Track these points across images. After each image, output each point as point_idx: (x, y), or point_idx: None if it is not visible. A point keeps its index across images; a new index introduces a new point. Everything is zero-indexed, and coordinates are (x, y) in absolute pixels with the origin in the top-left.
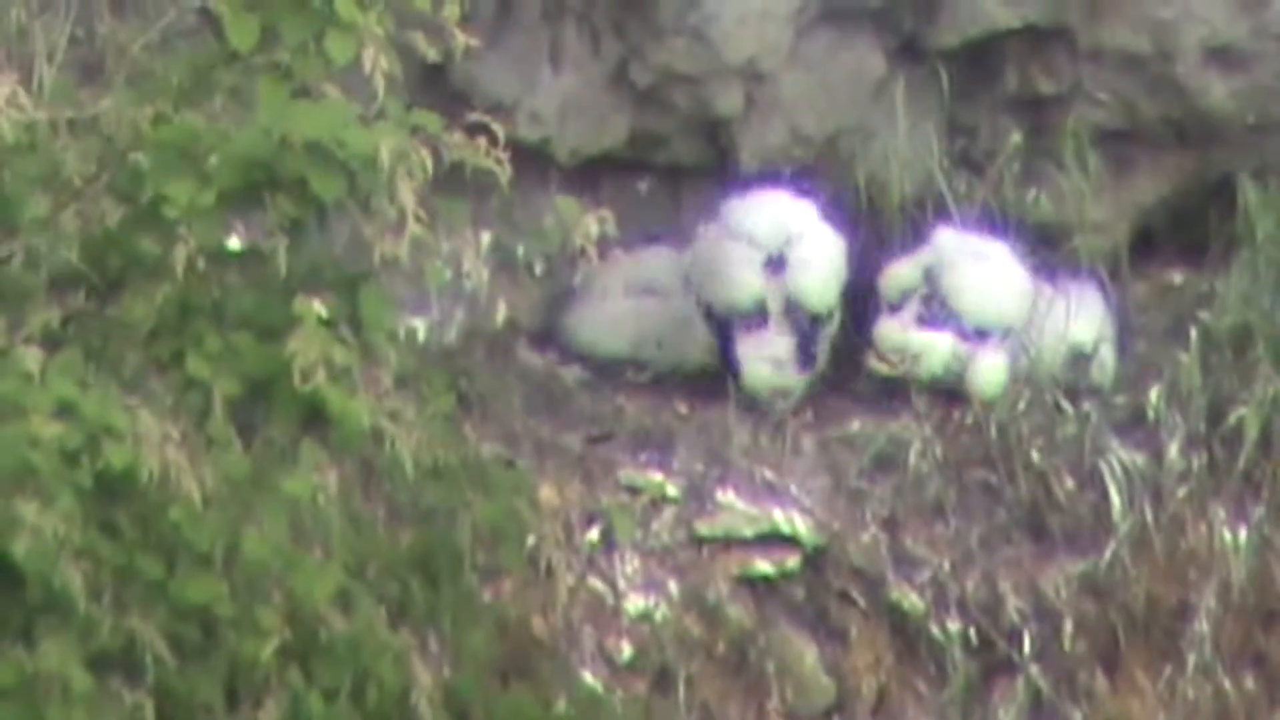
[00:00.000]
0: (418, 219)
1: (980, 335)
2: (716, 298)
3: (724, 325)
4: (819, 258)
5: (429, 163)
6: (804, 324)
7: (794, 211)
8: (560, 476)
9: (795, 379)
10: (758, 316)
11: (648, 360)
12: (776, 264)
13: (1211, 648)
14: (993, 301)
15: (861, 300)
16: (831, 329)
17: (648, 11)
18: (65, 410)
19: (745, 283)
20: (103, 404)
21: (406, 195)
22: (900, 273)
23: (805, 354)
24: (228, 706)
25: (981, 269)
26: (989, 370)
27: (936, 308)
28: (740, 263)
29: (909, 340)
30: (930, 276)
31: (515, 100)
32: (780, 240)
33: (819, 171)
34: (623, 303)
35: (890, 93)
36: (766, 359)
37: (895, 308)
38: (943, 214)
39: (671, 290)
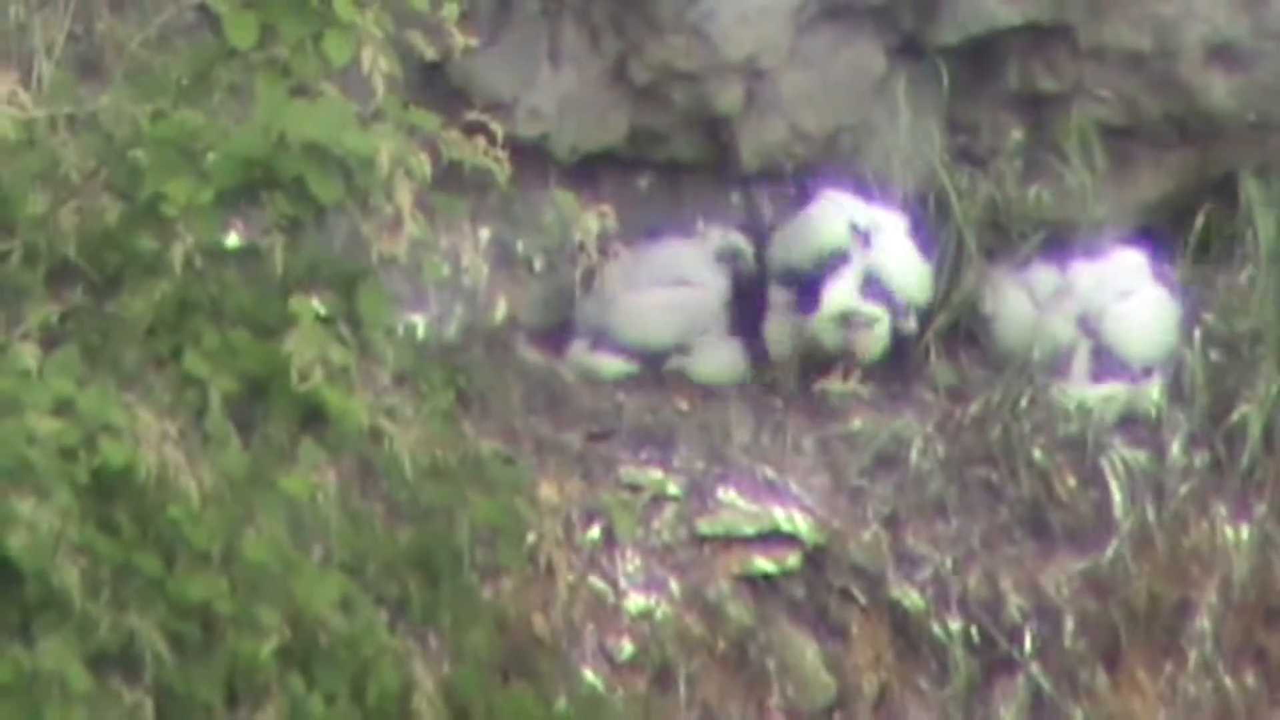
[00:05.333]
0: (416, 218)
1: (1147, 373)
2: (800, 256)
3: (807, 285)
4: (900, 254)
5: (427, 166)
6: (887, 296)
7: (881, 216)
8: (560, 474)
9: (872, 311)
10: (840, 259)
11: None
12: (864, 236)
13: (1213, 645)
14: (1155, 338)
15: None
16: (907, 326)
17: (647, 8)
18: (63, 407)
19: (831, 232)
20: (101, 401)
21: (404, 197)
22: (1052, 327)
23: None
24: (227, 706)
25: (1134, 306)
26: (1153, 400)
27: (1106, 360)
28: (828, 219)
29: (1087, 398)
30: (1087, 328)
31: (514, 97)
32: (868, 221)
33: (820, 169)
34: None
35: (891, 90)
36: (846, 290)
37: (1058, 368)
38: (944, 211)
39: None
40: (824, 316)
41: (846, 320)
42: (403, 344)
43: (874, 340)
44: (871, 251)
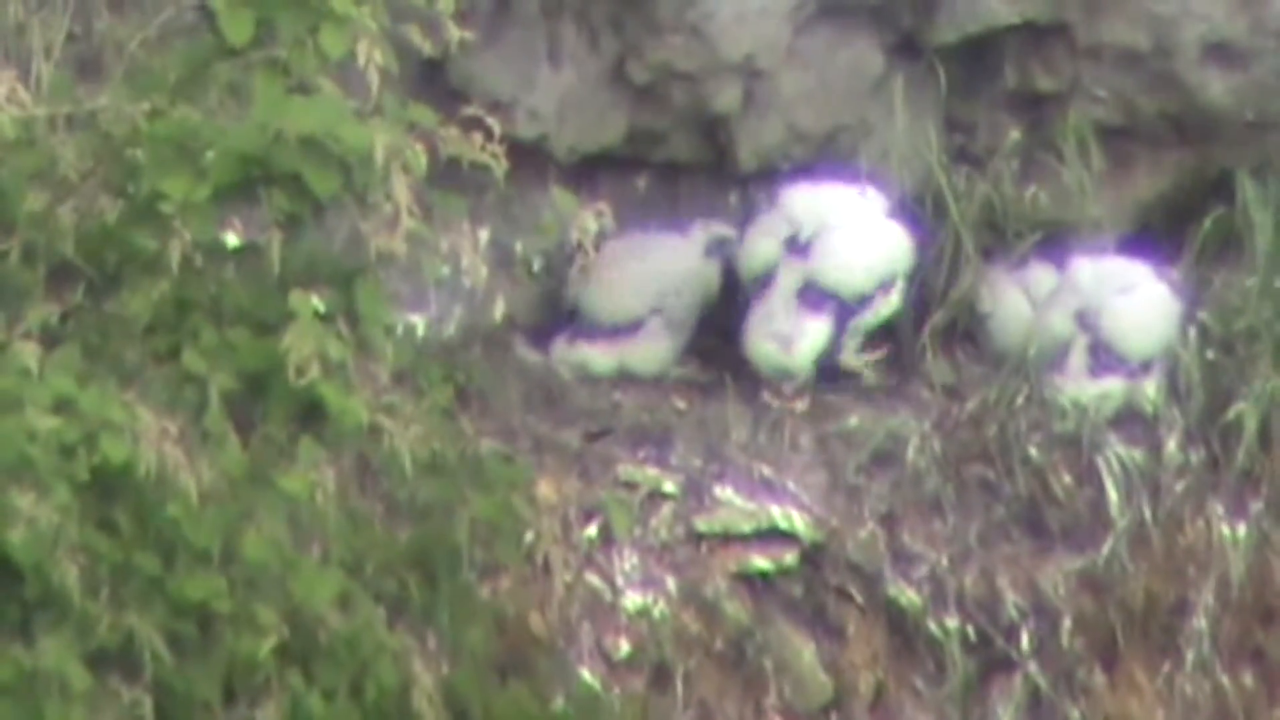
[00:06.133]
0: (414, 214)
1: (1145, 368)
2: (742, 273)
3: (745, 296)
4: (849, 244)
5: (424, 158)
6: (820, 301)
7: (837, 198)
8: (558, 473)
9: (796, 359)
10: (766, 280)
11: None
12: (801, 249)
13: (1210, 644)
14: (1153, 334)
15: None
16: (867, 319)
17: (646, 8)
18: (63, 405)
19: (760, 254)
20: (101, 399)
21: (401, 190)
22: (1050, 322)
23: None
24: (226, 704)
25: (1134, 302)
26: (1150, 397)
27: (1103, 355)
28: (763, 232)
29: (1084, 393)
30: (1085, 322)
31: (513, 97)
32: (812, 222)
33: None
34: None
35: (889, 89)
36: (771, 335)
37: (1056, 363)
38: (941, 211)
39: None
40: (750, 336)
41: (772, 335)
42: (401, 341)
43: (802, 357)
44: (810, 259)
